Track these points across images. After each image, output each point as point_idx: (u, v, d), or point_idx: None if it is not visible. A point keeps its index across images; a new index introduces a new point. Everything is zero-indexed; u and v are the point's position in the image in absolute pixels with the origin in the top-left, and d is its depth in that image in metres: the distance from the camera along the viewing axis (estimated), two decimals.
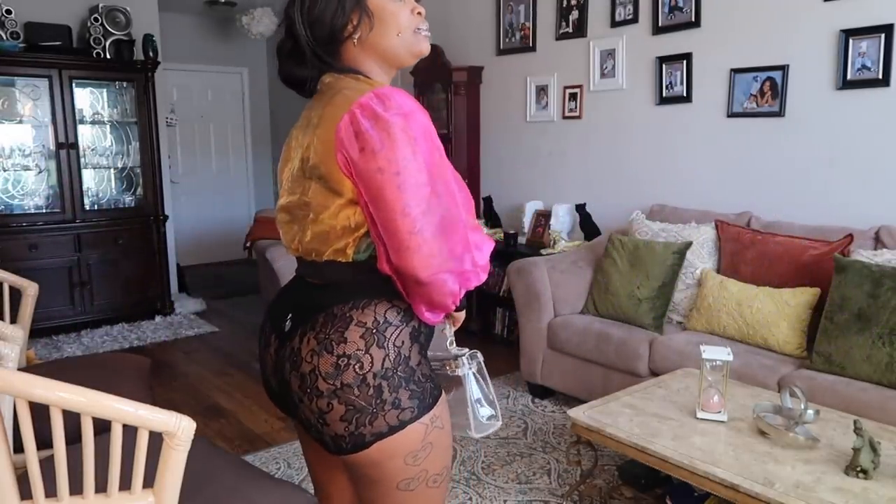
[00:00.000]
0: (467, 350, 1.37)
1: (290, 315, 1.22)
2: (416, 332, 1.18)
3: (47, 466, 1.33)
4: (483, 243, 1.18)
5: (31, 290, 2.43)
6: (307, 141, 1.17)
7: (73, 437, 1.32)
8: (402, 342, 1.16)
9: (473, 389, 1.35)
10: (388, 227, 1.07)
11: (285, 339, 1.21)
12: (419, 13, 1.22)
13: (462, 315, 1.39)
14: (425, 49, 1.24)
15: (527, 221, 4.48)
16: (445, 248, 1.08)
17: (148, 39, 4.99)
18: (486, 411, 1.36)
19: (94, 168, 5.13)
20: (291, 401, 1.20)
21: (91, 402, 1.24)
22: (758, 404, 2.14)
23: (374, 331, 1.14)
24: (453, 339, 1.38)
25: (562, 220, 4.30)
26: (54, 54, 4.64)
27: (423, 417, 1.16)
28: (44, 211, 4.79)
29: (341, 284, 1.18)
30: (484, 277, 1.18)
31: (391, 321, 1.16)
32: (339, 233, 1.14)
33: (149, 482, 1.36)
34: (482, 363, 1.39)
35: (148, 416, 1.28)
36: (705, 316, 3.02)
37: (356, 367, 1.12)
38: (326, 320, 1.15)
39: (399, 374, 1.14)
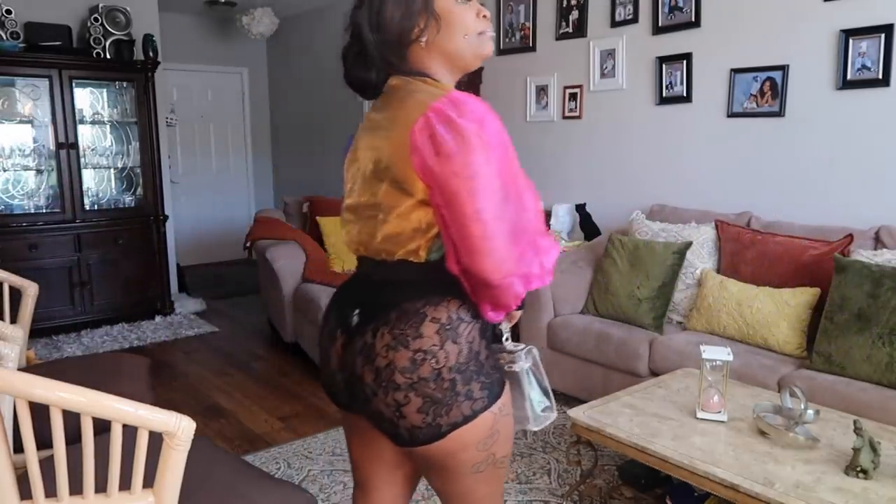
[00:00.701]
0: (523, 346, 1.40)
1: (357, 311, 1.25)
2: (484, 327, 1.24)
3: (47, 466, 1.33)
4: (551, 248, 1.22)
5: (31, 290, 2.43)
6: (378, 143, 1.20)
7: (73, 437, 1.32)
8: (473, 338, 1.20)
9: (531, 384, 1.39)
10: (461, 230, 1.10)
11: (354, 333, 1.24)
12: (484, 16, 1.25)
13: (519, 313, 1.41)
14: (489, 51, 1.27)
15: None
16: (515, 253, 1.12)
17: (148, 39, 4.99)
18: (542, 404, 1.41)
19: (94, 168, 5.13)
20: (360, 395, 1.22)
21: (91, 402, 1.24)
22: (758, 404, 2.14)
23: (448, 327, 1.18)
24: (509, 335, 1.40)
25: (562, 220, 4.30)
26: (54, 54, 4.64)
27: (492, 406, 1.21)
28: (44, 211, 4.78)
29: (413, 282, 1.21)
30: (548, 280, 1.22)
31: (463, 318, 1.20)
32: (411, 234, 1.17)
33: (149, 482, 1.36)
34: (537, 357, 1.42)
35: (148, 416, 1.28)
36: (705, 316, 3.02)
37: (432, 361, 1.16)
38: (400, 316, 1.18)
39: (471, 367, 1.19)
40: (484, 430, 1.21)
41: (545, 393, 1.42)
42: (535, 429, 1.41)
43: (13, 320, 2.37)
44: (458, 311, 1.20)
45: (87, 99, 5.06)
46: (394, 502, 1.44)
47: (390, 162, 1.16)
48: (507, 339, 1.38)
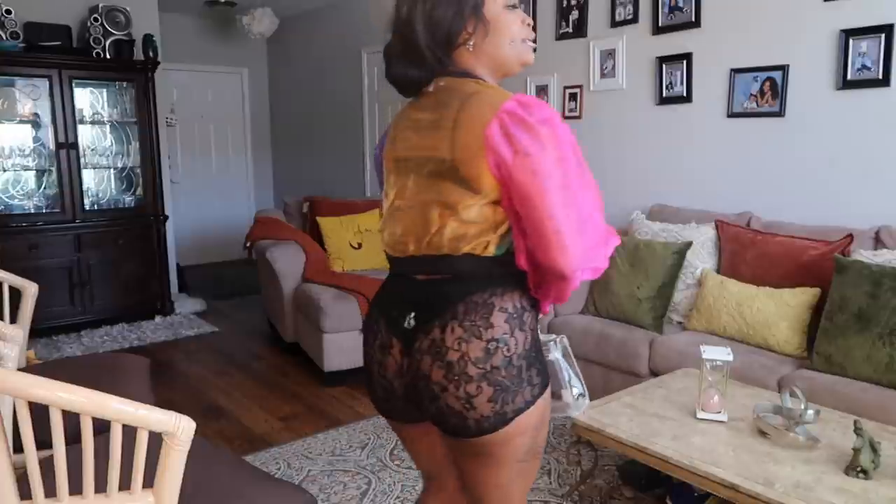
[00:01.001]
0: (554, 336, 1.45)
1: (412, 313, 1.25)
2: (537, 316, 1.30)
3: (47, 466, 1.33)
4: (611, 239, 1.26)
5: (31, 290, 2.43)
6: (437, 143, 1.22)
7: (73, 437, 1.32)
8: (534, 326, 1.26)
9: (565, 371, 1.43)
10: (537, 226, 1.15)
11: (414, 335, 1.24)
12: (529, 24, 1.30)
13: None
14: (531, 59, 1.31)
15: None
16: (584, 247, 1.17)
17: (148, 39, 4.99)
18: (576, 391, 1.45)
19: (94, 168, 5.13)
20: (426, 395, 1.24)
21: (91, 402, 1.24)
22: (758, 404, 2.14)
23: (515, 315, 1.22)
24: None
25: None
26: (54, 54, 4.64)
27: (544, 392, 1.27)
28: (44, 211, 4.79)
29: (478, 275, 1.23)
30: (604, 269, 1.26)
31: (525, 307, 1.25)
32: (480, 231, 1.21)
33: (149, 482, 1.36)
34: (567, 346, 1.46)
35: (148, 417, 1.28)
36: (705, 316, 3.02)
37: (504, 349, 1.20)
38: (468, 309, 1.20)
39: (531, 354, 1.24)
40: (538, 414, 1.25)
41: (579, 380, 1.46)
42: (576, 414, 1.45)
43: (13, 320, 2.37)
44: (521, 300, 1.24)
45: (87, 99, 5.06)
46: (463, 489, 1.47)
47: (458, 161, 1.19)
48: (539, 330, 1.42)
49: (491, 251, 1.22)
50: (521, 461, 1.28)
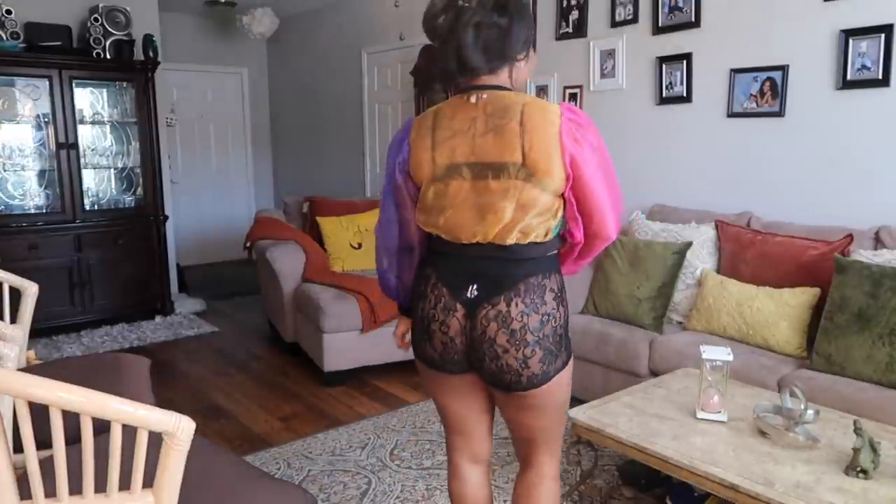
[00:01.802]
0: None
1: (474, 285, 1.52)
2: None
3: (47, 466, 1.33)
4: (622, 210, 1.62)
5: (31, 290, 2.43)
6: (502, 148, 1.46)
7: (73, 437, 1.32)
8: (568, 302, 1.59)
9: None
10: (597, 205, 1.51)
11: (477, 304, 1.51)
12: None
13: None
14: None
15: None
16: (619, 215, 1.58)
17: (148, 39, 4.99)
18: None
19: (94, 168, 5.13)
20: (489, 353, 1.51)
21: (91, 402, 1.24)
22: (758, 404, 2.14)
23: (559, 294, 1.55)
24: None
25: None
26: (54, 54, 4.64)
27: (572, 355, 1.63)
28: (44, 211, 4.79)
29: (533, 259, 1.52)
30: None
31: (563, 286, 1.57)
32: (543, 220, 1.49)
33: (148, 482, 1.36)
34: None
35: (147, 416, 1.28)
36: (705, 316, 3.02)
37: (552, 322, 1.52)
38: (528, 289, 1.50)
39: (567, 325, 1.58)
40: (569, 373, 1.61)
41: None
42: None
43: (13, 320, 2.37)
44: (560, 281, 1.57)
45: (87, 99, 5.06)
46: (484, 435, 1.79)
47: (532, 162, 1.44)
48: None
49: (548, 237, 1.52)
50: (558, 409, 1.64)
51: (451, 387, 1.68)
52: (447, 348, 1.56)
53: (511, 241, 1.48)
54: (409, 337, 1.73)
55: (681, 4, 3.68)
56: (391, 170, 1.61)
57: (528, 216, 1.47)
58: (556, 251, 1.56)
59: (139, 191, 5.17)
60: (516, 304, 1.48)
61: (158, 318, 5.15)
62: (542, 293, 1.50)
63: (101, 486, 1.34)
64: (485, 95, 1.49)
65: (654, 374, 2.90)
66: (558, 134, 1.43)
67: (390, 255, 1.71)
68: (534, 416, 1.62)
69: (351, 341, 3.70)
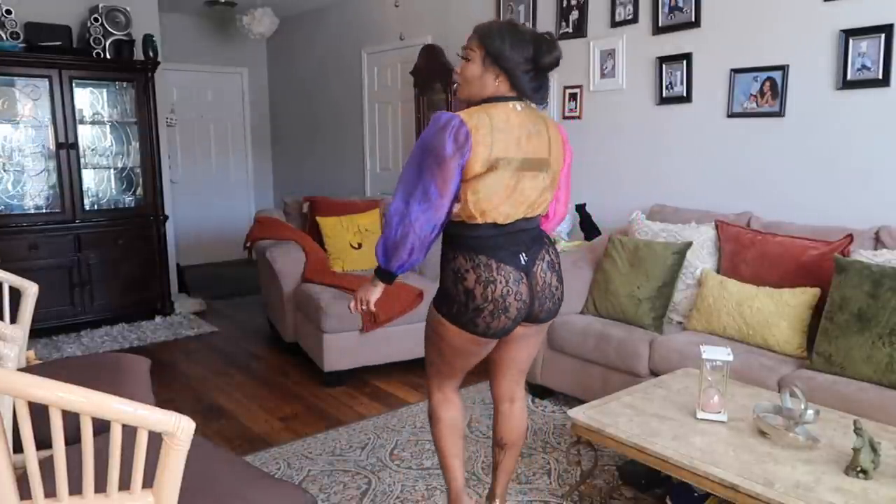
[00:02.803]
0: None
1: (523, 252, 1.91)
2: None
3: (47, 466, 1.33)
4: None
5: (31, 290, 2.43)
6: (540, 147, 1.90)
7: (73, 438, 1.32)
8: None
9: None
10: (568, 188, 2.12)
11: (530, 265, 1.92)
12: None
13: None
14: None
15: None
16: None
17: (148, 39, 4.99)
18: None
19: (94, 168, 5.13)
20: (546, 296, 1.96)
21: (91, 402, 1.24)
22: (758, 404, 2.14)
23: (556, 249, 2.04)
24: None
25: None
26: (54, 54, 4.64)
27: None
28: (44, 211, 4.79)
29: (541, 228, 2.03)
30: None
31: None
32: (545, 200, 1.96)
33: (148, 482, 1.36)
34: None
35: (147, 416, 1.28)
36: (705, 316, 3.02)
37: (560, 270, 2.02)
38: (548, 246, 1.99)
39: None
40: None
41: None
42: None
43: (13, 320, 2.37)
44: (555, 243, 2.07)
45: (87, 99, 5.06)
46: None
47: (553, 159, 1.93)
48: None
49: (546, 212, 2.03)
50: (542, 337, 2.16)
51: (488, 349, 2.03)
52: (520, 311, 1.90)
53: (538, 213, 1.95)
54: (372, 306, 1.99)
55: (681, 4, 3.68)
56: (450, 164, 1.76)
57: (547, 195, 1.96)
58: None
59: (139, 191, 5.17)
60: (550, 254, 1.98)
61: (158, 318, 5.15)
62: (552, 247, 2.01)
63: (101, 486, 1.34)
64: (523, 105, 1.91)
65: (654, 374, 2.90)
66: (565, 141, 2.03)
67: (423, 244, 1.82)
68: (538, 344, 2.13)
69: (351, 341, 3.70)
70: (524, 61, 1.86)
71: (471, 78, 1.88)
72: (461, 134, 1.76)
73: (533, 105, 1.92)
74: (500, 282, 1.85)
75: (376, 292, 1.96)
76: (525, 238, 1.91)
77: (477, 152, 1.77)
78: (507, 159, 1.81)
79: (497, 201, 1.83)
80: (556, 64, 1.92)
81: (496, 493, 2.26)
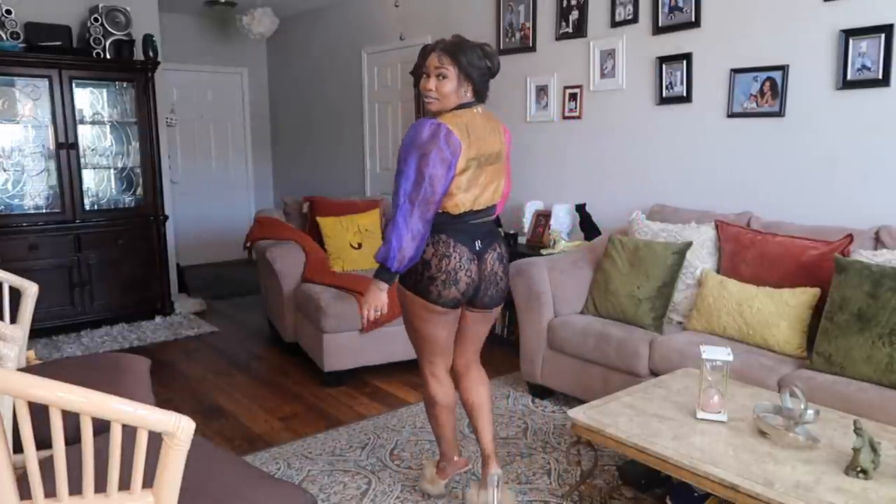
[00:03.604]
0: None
1: (478, 241, 2.20)
2: None
3: (47, 466, 1.33)
4: None
5: (31, 290, 2.43)
6: (495, 142, 2.20)
7: (73, 438, 1.32)
8: None
9: None
10: (509, 174, 2.34)
11: (483, 252, 2.21)
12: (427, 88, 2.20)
13: None
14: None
15: (527, 222, 4.48)
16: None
17: (148, 39, 4.99)
18: None
19: (94, 168, 5.13)
20: (497, 283, 2.27)
21: (91, 402, 1.24)
22: (758, 404, 2.14)
23: (507, 249, 2.34)
24: None
25: (562, 220, 4.29)
26: (54, 54, 4.64)
27: None
28: (44, 211, 4.79)
29: (495, 225, 2.33)
30: None
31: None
32: (499, 186, 2.25)
33: (148, 482, 1.36)
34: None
35: (147, 417, 1.28)
36: (705, 316, 3.02)
37: (507, 264, 2.32)
38: (502, 243, 2.31)
39: None
40: None
41: None
42: None
43: (13, 320, 2.37)
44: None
45: (87, 99, 5.06)
46: (451, 351, 2.40)
47: (502, 149, 2.25)
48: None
49: (497, 201, 2.27)
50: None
51: (448, 320, 2.26)
52: (468, 287, 2.18)
53: (492, 203, 2.23)
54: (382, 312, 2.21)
55: (681, 4, 3.68)
56: (446, 165, 2.04)
57: (502, 187, 2.27)
58: None
59: (139, 191, 5.17)
60: (501, 247, 2.28)
61: (158, 318, 5.15)
62: (502, 240, 2.30)
63: (100, 486, 1.34)
64: (481, 108, 2.22)
65: (654, 374, 2.90)
66: (508, 134, 2.32)
67: (422, 241, 2.08)
68: (488, 325, 2.40)
69: (351, 341, 3.70)
70: (486, 70, 2.15)
71: (448, 93, 2.12)
72: (452, 138, 2.04)
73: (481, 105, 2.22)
74: (455, 257, 2.14)
75: (384, 295, 2.16)
76: (483, 229, 2.22)
77: (462, 153, 2.06)
78: (477, 157, 2.12)
79: (471, 194, 2.14)
80: (499, 69, 2.21)
81: (488, 454, 2.42)
